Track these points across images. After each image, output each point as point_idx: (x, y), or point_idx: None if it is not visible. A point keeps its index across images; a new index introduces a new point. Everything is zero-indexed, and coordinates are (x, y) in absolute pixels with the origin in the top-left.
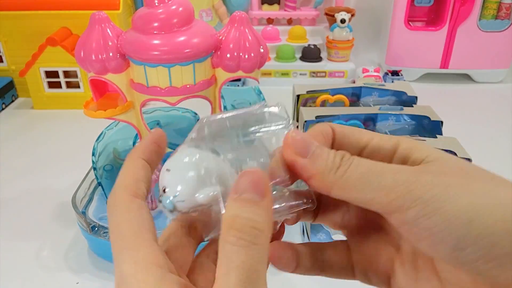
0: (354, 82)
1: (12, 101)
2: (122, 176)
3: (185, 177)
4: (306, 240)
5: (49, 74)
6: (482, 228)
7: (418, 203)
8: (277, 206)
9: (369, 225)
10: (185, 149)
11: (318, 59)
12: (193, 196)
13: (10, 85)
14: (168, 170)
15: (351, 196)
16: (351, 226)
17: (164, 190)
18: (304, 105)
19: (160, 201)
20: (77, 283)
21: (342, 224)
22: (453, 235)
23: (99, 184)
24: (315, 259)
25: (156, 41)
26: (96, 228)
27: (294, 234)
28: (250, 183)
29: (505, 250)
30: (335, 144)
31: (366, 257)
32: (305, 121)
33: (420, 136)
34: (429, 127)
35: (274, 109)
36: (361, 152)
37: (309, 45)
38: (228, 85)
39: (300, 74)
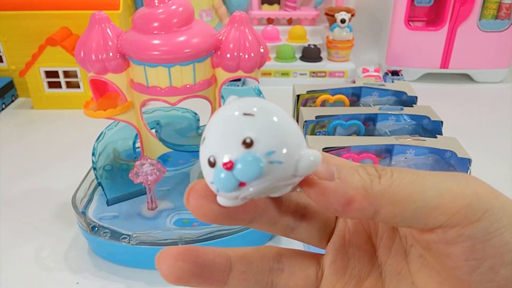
0: (354, 82)
1: (12, 101)
2: None
3: (287, 125)
4: None
5: (49, 74)
6: None
7: (490, 214)
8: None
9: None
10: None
11: (318, 59)
12: (296, 158)
13: (10, 85)
14: (248, 114)
15: (406, 210)
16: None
17: (249, 143)
18: (304, 105)
19: (230, 166)
20: (77, 283)
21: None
22: None
23: (99, 184)
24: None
25: (156, 41)
26: (96, 228)
27: None
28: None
29: None
30: None
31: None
32: (305, 121)
33: (420, 136)
34: (429, 127)
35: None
36: None
37: (309, 45)
38: (228, 85)
39: (300, 74)
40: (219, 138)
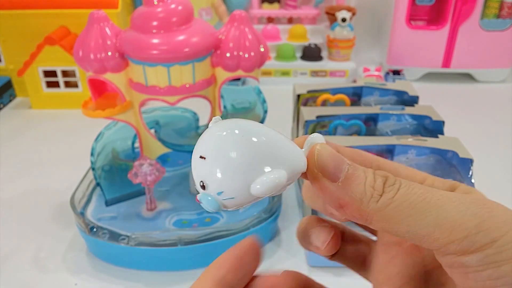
0: (355, 82)
1: (10, 100)
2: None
3: (231, 163)
4: None
5: (47, 73)
6: None
7: (489, 247)
8: None
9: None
10: (222, 122)
11: (318, 58)
12: (247, 189)
13: (8, 85)
14: (202, 157)
15: (398, 230)
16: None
17: (203, 186)
18: (305, 104)
19: (200, 201)
20: (76, 284)
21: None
22: None
23: (98, 184)
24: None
25: (155, 40)
26: (94, 229)
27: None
28: None
29: None
30: None
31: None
32: (306, 121)
33: (422, 136)
34: (430, 127)
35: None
36: None
37: (309, 44)
38: (227, 85)
39: (301, 73)
40: (193, 174)
